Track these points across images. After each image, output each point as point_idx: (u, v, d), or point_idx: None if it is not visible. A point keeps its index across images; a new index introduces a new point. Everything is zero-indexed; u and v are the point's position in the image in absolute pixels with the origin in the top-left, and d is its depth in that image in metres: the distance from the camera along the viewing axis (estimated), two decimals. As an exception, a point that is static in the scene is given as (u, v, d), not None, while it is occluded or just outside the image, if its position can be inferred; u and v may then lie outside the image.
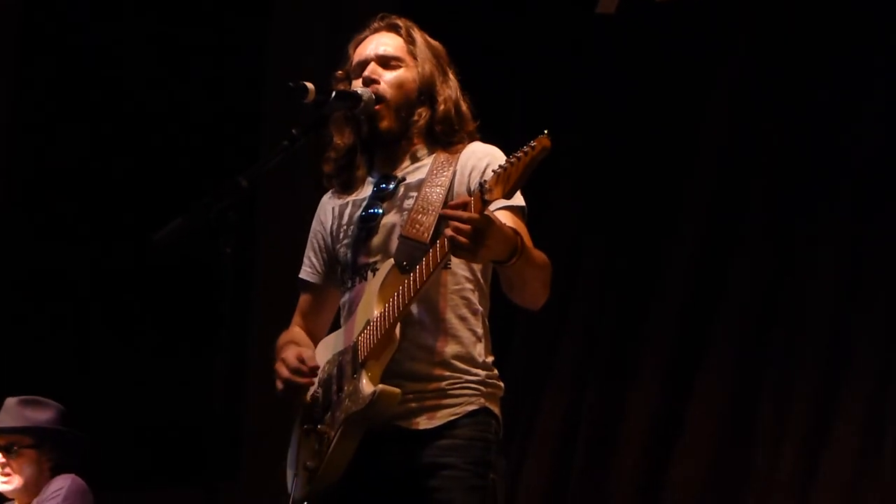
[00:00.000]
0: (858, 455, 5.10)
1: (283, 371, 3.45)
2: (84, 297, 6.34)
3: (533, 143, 3.10)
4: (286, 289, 6.26)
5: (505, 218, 3.32)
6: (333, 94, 3.40)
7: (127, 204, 6.33)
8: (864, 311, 5.20)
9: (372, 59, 3.53)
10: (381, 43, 3.56)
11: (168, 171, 6.34)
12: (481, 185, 3.12)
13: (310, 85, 3.35)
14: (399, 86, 3.52)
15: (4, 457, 4.71)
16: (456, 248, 3.14)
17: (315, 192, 5.44)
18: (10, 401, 4.78)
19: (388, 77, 3.51)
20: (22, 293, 6.41)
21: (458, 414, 3.38)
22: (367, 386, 3.31)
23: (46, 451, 4.74)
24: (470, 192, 3.30)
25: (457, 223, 3.11)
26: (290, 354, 3.47)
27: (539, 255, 3.33)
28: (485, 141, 3.59)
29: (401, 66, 3.54)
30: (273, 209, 6.21)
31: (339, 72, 3.63)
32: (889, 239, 5.19)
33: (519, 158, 3.09)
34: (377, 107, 3.48)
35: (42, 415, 4.75)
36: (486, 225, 3.12)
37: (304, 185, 6.04)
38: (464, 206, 3.14)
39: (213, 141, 6.34)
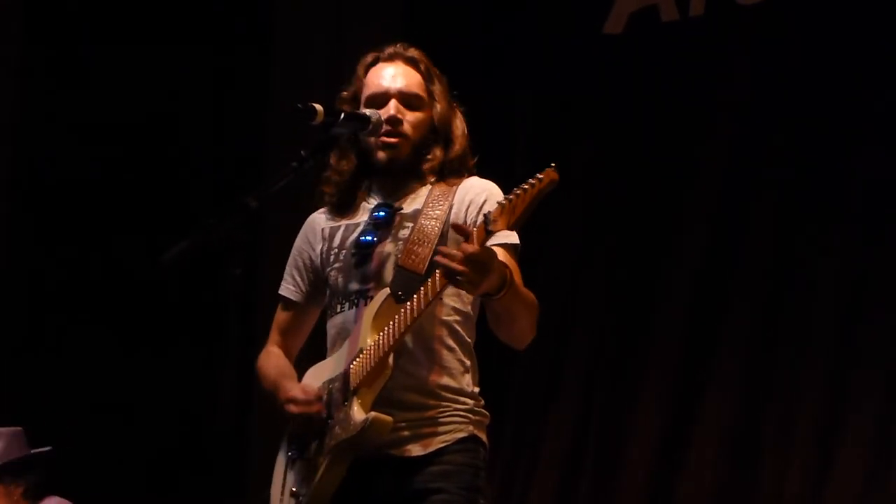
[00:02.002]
0: (866, 475, 5.09)
1: (295, 408, 3.45)
2: (91, 313, 6.34)
3: (540, 176, 3.12)
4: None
5: (501, 255, 3.34)
6: (342, 115, 3.41)
7: (134, 219, 6.34)
8: (870, 326, 5.18)
9: (394, 96, 3.53)
10: (402, 78, 3.56)
11: (172, 190, 6.35)
12: (486, 216, 3.14)
13: (318, 106, 3.36)
14: (420, 126, 3.53)
15: None
16: (456, 279, 3.16)
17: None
18: None
19: (410, 117, 3.52)
20: (26, 307, 6.42)
21: (448, 441, 3.42)
22: (358, 413, 3.34)
23: (9, 481, 4.66)
24: (467, 223, 3.36)
25: (461, 254, 3.13)
26: (296, 392, 3.48)
27: (527, 294, 3.36)
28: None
29: (422, 105, 3.54)
30: (279, 228, 6.22)
31: (345, 92, 3.63)
32: (894, 253, 5.19)
33: (525, 191, 3.12)
34: (395, 139, 3.49)
35: None
36: (488, 257, 3.15)
37: (311, 206, 6.08)
38: (467, 235, 3.16)
39: (217, 160, 6.35)
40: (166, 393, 6.23)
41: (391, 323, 3.33)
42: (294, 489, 3.46)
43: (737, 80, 5.53)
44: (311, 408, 3.43)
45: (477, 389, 3.51)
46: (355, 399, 3.36)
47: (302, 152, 3.35)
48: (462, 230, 3.19)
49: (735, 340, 5.41)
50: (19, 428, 4.75)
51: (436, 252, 3.30)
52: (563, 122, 5.90)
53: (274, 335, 3.72)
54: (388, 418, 3.33)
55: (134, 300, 6.24)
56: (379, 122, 3.48)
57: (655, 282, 5.63)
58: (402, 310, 3.31)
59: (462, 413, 3.45)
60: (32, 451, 4.73)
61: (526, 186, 3.12)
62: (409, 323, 3.30)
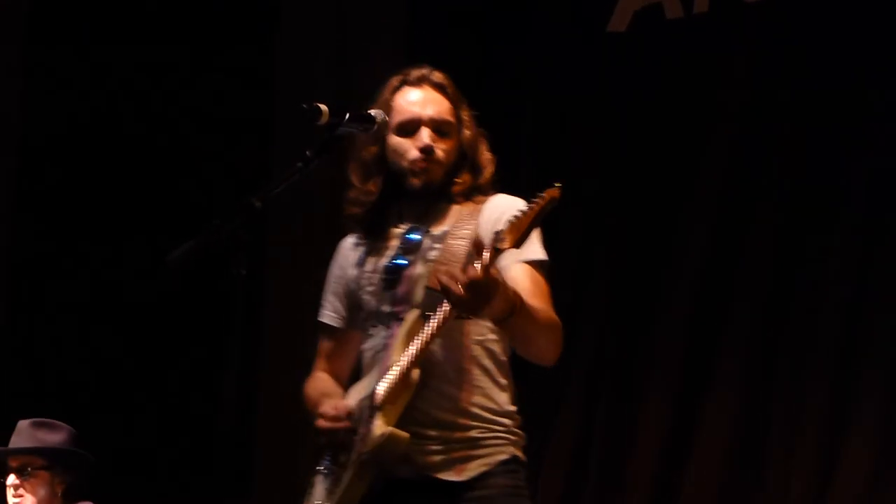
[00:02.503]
0: (871, 476, 5.08)
1: (323, 424, 3.47)
2: (95, 313, 6.35)
3: (543, 195, 3.14)
4: (297, 310, 6.32)
5: (524, 273, 3.39)
6: (347, 115, 3.40)
7: (138, 219, 6.34)
8: (873, 328, 5.18)
9: (425, 124, 3.54)
10: (432, 105, 3.56)
11: (176, 193, 6.34)
12: (496, 234, 3.16)
13: (323, 106, 3.34)
14: (451, 152, 3.54)
15: (18, 478, 4.72)
16: (457, 304, 3.18)
17: (326, 214, 5.48)
18: (23, 423, 4.80)
19: (442, 144, 3.53)
20: (28, 306, 6.43)
21: (490, 465, 3.42)
22: (377, 428, 3.35)
23: (58, 472, 4.74)
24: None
25: (465, 279, 3.13)
26: (327, 407, 3.50)
27: (544, 314, 3.36)
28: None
29: (452, 132, 3.56)
30: (285, 230, 6.22)
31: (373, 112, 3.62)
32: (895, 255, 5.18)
33: (531, 208, 3.14)
34: (425, 164, 3.50)
35: (54, 437, 4.77)
36: (491, 284, 3.15)
37: (317, 206, 6.07)
38: (480, 249, 3.16)
39: (223, 161, 6.35)
40: (169, 393, 6.23)
41: (414, 340, 3.35)
42: (317, 503, 3.49)
43: (740, 78, 5.52)
44: (337, 424, 3.44)
45: (514, 408, 3.51)
46: (379, 415, 3.37)
47: (307, 153, 3.34)
48: (478, 246, 3.19)
49: (737, 342, 5.41)
50: (67, 426, 4.83)
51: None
52: (566, 122, 5.89)
53: (320, 362, 3.75)
54: (405, 434, 3.34)
55: (138, 300, 6.23)
56: (384, 122, 3.48)
57: (657, 283, 5.62)
58: (425, 327, 3.34)
59: (501, 434, 3.45)
60: (79, 451, 4.80)
61: (532, 204, 3.14)
62: (428, 340, 3.32)
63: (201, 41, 6.45)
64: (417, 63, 3.65)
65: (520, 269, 3.41)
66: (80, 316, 6.32)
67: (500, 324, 3.28)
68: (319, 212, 5.86)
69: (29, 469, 4.72)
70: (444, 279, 3.16)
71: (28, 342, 6.37)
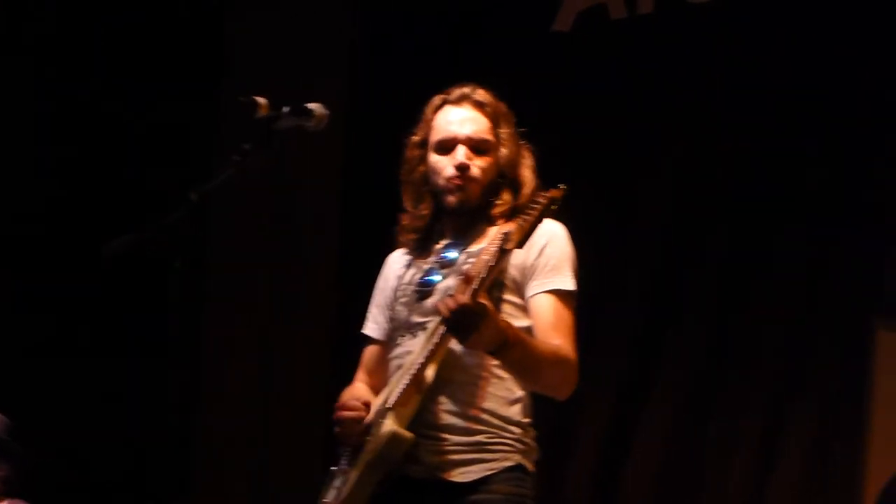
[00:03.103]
0: (805, 472, 5.14)
1: (339, 412, 3.53)
2: (30, 308, 6.28)
3: (546, 194, 3.21)
4: (237, 304, 6.30)
5: (547, 303, 3.43)
6: (285, 109, 3.38)
7: (74, 217, 6.28)
8: (816, 332, 5.22)
9: (462, 142, 3.56)
10: (470, 123, 3.59)
11: (116, 185, 6.29)
12: (504, 234, 3.20)
13: (261, 100, 3.35)
14: (489, 171, 3.56)
15: None
16: (448, 325, 3.23)
17: (269, 208, 5.41)
18: None
19: (479, 162, 3.55)
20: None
21: (494, 469, 3.43)
22: (385, 427, 3.39)
23: None
24: (525, 265, 3.44)
25: (454, 303, 3.18)
26: (345, 397, 3.58)
27: (550, 350, 3.38)
28: None
29: (489, 149, 3.57)
30: (225, 224, 6.19)
31: (416, 136, 3.66)
32: (840, 258, 5.21)
33: (534, 208, 3.19)
34: (460, 181, 3.54)
35: None
36: (478, 312, 3.19)
37: (257, 200, 6.05)
38: (469, 279, 3.22)
39: (164, 155, 6.30)
40: (110, 391, 6.17)
41: (428, 345, 3.39)
42: (326, 500, 3.52)
43: (685, 78, 5.53)
44: (351, 413, 3.50)
45: (527, 420, 3.52)
46: (390, 414, 3.41)
47: (245, 146, 3.33)
48: (467, 276, 3.24)
49: (682, 340, 5.43)
50: (3, 416, 4.74)
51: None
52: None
53: (360, 374, 3.77)
54: (410, 435, 3.38)
55: (77, 293, 6.17)
56: (323, 115, 3.45)
57: (609, 282, 5.61)
58: (434, 339, 3.38)
59: (510, 441, 3.47)
60: (13, 442, 4.70)
61: (535, 203, 3.19)
62: (437, 342, 3.35)
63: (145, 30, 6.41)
64: (462, 81, 3.67)
65: (544, 299, 3.45)
66: (13, 306, 6.24)
67: (494, 356, 3.32)
68: (262, 206, 5.85)
69: None
70: (439, 303, 3.24)
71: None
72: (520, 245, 3.19)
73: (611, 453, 5.50)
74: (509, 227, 3.24)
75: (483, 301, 3.21)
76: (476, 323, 3.18)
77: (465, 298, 3.17)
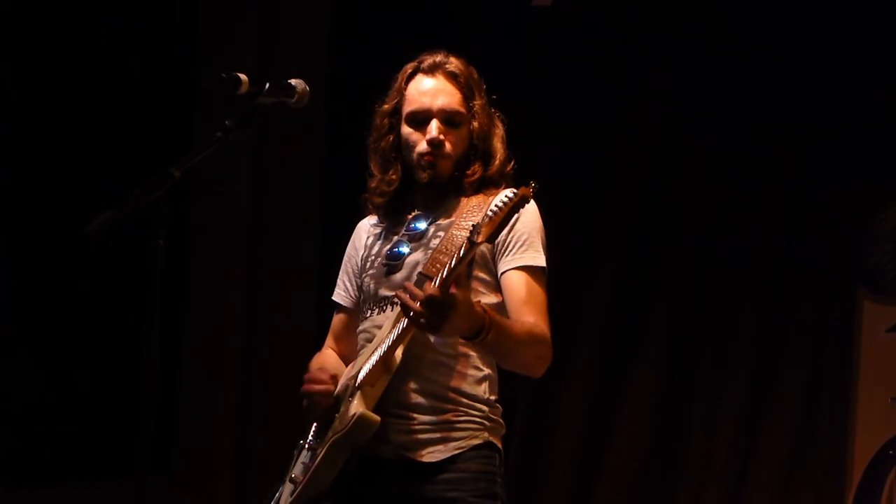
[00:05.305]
0: (792, 445, 5.17)
1: (306, 386, 3.50)
2: (10, 287, 6.26)
3: (517, 191, 3.16)
4: (219, 278, 6.29)
5: (519, 279, 3.41)
6: (267, 85, 3.37)
7: (54, 193, 6.26)
8: (794, 308, 5.25)
9: (435, 115, 3.54)
10: (443, 95, 3.56)
11: (96, 163, 6.27)
12: (474, 226, 3.16)
13: (243, 76, 3.33)
14: (461, 143, 3.54)
15: None
16: (415, 320, 3.19)
17: (248, 184, 5.40)
18: None
19: (451, 137, 3.53)
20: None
21: (462, 448, 3.42)
22: (352, 408, 3.37)
23: None
24: (496, 240, 3.36)
25: (421, 295, 3.16)
26: (313, 370, 3.56)
27: (525, 329, 3.36)
28: None
29: (462, 123, 3.55)
30: (207, 201, 6.18)
31: (386, 104, 3.63)
32: (822, 231, 5.24)
33: (505, 203, 3.15)
34: (433, 158, 3.52)
35: None
36: (451, 302, 3.16)
37: (239, 177, 6.04)
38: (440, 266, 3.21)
39: (145, 132, 6.28)
40: (90, 368, 6.17)
41: (397, 326, 3.36)
42: (294, 475, 3.51)
43: (665, 55, 5.56)
44: (318, 386, 3.47)
45: (494, 398, 3.51)
46: (358, 394, 3.39)
47: (227, 122, 3.32)
48: (438, 263, 3.26)
49: (659, 325, 5.48)
50: None
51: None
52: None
53: (329, 340, 3.76)
54: (376, 417, 3.36)
55: (58, 271, 6.16)
56: (305, 92, 3.44)
57: (578, 282, 5.63)
58: (401, 322, 3.34)
59: (477, 420, 3.46)
60: None
61: (506, 199, 3.15)
62: (406, 326, 3.32)
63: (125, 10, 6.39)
64: (433, 48, 3.64)
65: (516, 275, 3.43)
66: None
67: (469, 341, 3.30)
68: (242, 182, 5.84)
69: None
70: (403, 296, 3.20)
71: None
72: (490, 239, 3.16)
73: (594, 433, 5.53)
74: (479, 217, 3.23)
75: (454, 292, 3.18)
76: (447, 314, 3.16)
77: (433, 290, 3.15)
